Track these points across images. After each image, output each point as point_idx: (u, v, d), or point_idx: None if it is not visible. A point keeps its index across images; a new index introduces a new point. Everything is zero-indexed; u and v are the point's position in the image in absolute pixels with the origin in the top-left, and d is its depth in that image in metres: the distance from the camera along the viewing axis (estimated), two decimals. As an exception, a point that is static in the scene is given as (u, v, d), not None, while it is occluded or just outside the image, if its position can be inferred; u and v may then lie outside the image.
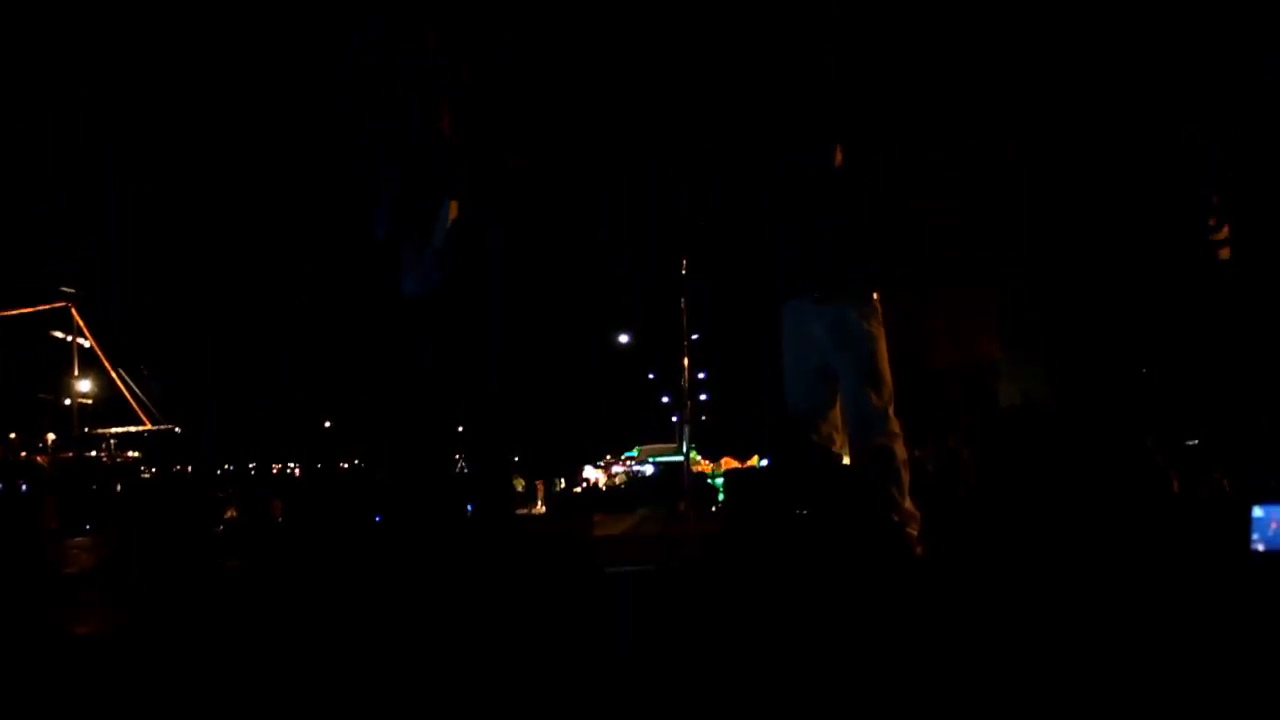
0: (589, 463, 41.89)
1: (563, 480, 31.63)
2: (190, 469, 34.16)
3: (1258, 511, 4.00)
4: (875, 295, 5.15)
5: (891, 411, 5.08)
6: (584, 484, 36.35)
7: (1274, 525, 3.96)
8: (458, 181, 4.96)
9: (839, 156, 5.08)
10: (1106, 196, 19.44)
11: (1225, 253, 17.71)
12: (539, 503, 30.43)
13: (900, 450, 5.07)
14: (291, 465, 35.60)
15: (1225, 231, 17.87)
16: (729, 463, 33.53)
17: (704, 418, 43.40)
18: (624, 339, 37.78)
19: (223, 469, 33.26)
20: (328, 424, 36.58)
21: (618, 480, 39.43)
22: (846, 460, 5.34)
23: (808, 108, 5.10)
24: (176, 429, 37.83)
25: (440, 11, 4.96)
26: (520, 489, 28.48)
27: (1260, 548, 3.99)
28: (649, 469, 40.32)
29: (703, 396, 43.62)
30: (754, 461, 30.25)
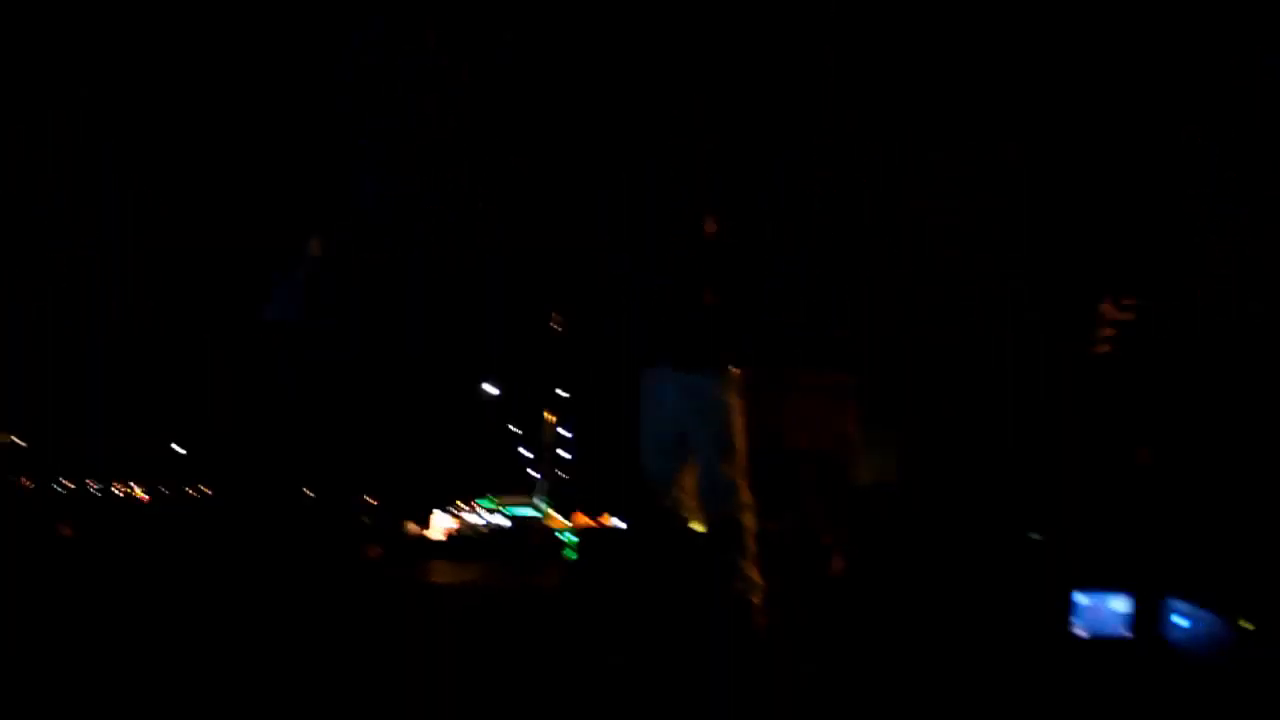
0: (439, 508, 40.50)
1: (410, 524, 30.96)
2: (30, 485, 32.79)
3: (1081, 599, 4.14)
4: (734, 368, 5.18)
5: (743, 482, 5.11)
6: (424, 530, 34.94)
7: (1095, 612, 4.11)
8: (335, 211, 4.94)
9: (710, 226, 5.12)
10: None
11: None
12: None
13: (749, 521, 5.10)
14: (134, 487, 34.40)
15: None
16: (580, 518, 33.41)
17: (559, 472, 43.18)
18: (492, 391, 37.48)
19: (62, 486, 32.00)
20: (175, 447, 35.43)
21: (469, 529, 38.62)
22: (699, 527, 5.36)
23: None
24: (17, 439, 36.20)
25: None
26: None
27: (1082, 633, 4.13)
28: (502, 520, 39.86)
29: (562, 454, 43.44)
30: (606, 519, 30.20)
